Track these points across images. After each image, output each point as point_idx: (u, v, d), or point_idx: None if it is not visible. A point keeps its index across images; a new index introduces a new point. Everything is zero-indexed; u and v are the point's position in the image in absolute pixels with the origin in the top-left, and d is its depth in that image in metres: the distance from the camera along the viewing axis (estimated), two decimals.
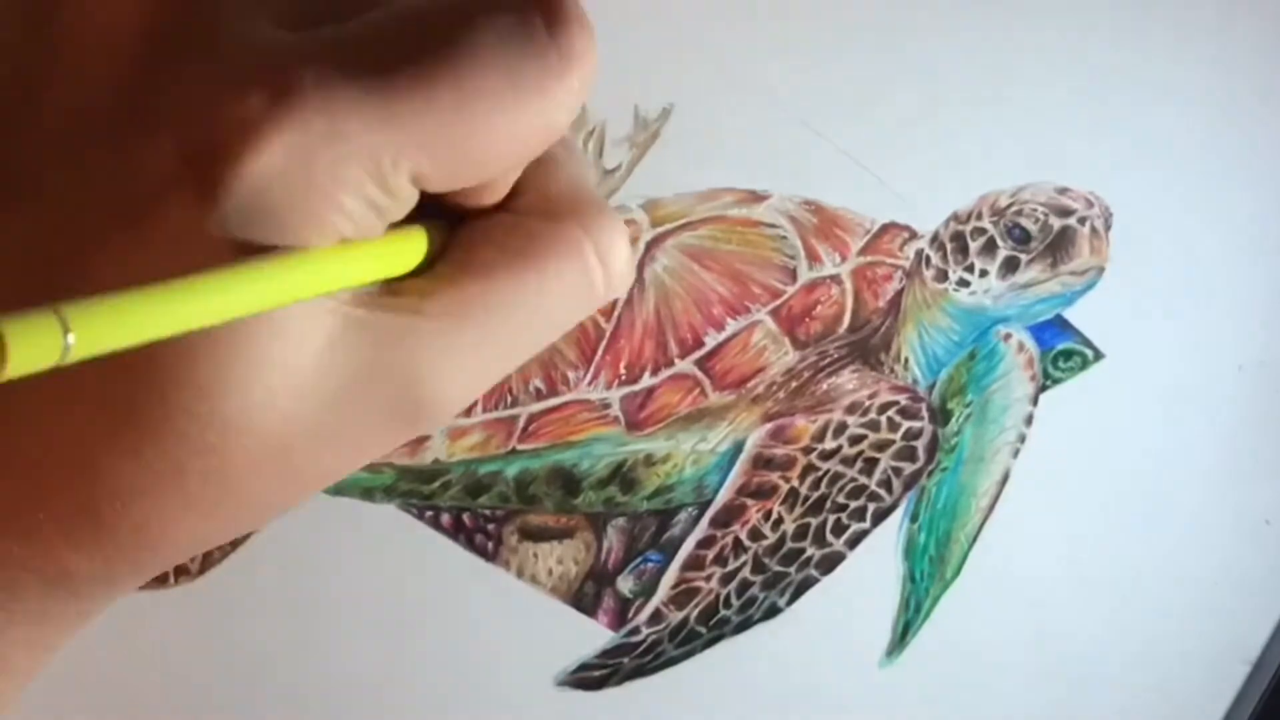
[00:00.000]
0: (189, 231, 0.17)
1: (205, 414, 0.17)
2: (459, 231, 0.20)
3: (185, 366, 0.17)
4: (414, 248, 0.19)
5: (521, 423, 0.39)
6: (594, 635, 0.40)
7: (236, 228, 0.17)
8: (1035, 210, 0.41)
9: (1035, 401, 0.42)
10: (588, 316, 0.22)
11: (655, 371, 0.39)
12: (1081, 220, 0.42)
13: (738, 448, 0.40)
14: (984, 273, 0.41)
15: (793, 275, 0.40)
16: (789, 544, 0.40)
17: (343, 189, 0.17)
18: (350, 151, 0.17)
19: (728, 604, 0.40)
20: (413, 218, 0.20)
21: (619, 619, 0.40)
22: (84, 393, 0.18)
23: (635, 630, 0.40)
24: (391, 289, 0.19)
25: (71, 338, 0.12)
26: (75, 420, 0.18)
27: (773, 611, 0.40)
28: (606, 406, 0.39)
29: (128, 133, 0.17)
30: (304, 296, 0.17)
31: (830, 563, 0.41)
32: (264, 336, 0.17)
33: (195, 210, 0.17)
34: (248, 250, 0.17)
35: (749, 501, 0.40)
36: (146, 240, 0.17)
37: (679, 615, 0.40)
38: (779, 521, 0.40)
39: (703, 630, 0.40)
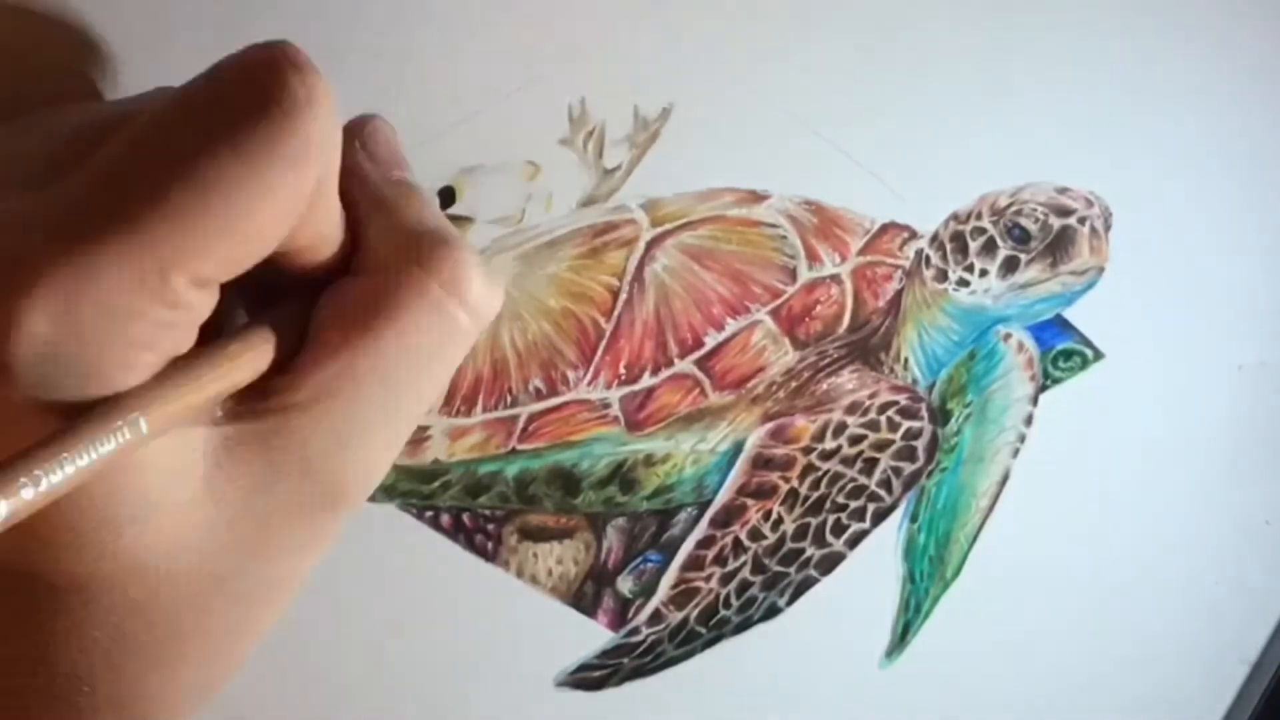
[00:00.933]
0: (4, 408, 0.16)
1: (115, 577, 0.17)
2: (317, 308, 0.20)
3: (74, 540, 0.17)
4: (259, 348, 0.19)
5: (521, 423, 0.39)
6: (594, 635, 0.40)
7: (44, 393, 0.16)
8: (1035, 210, 0.41)
9: (1035, 401, 0.42)
10: (469, 349, 0.21)
11: (655, 371, 0.39)
12: (1081, 220, 0.42)
13: (737, 448, 0.40)
14: (984, 272, 0.41)
15: (792, 275, 0.40)
16: (789, 544, 0.40)
17: (124, 324, 0.17)
18: (111, 287, 0.17)
19: (727, 604, 0.40)
20: (273, 303, 0.19)
21: (619, 619, 0.40)
22: (6, 606, 0.17)
23: (635, 630, 0.40)
24: (260, 391, 0.19)
25: None
26: (11, 628, 0.18)
27: (772, 612, 0.40)
28: (606, 406, 0.39)
29: None
30: (152, 437, 0.17)
31: (830, 563, 0.41)
32: (138, 489, 0.17)
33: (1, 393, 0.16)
34: (69, 409, 0.16)
35: (749, 501, 0.40)
36: None
37: (679, 615, 0.40)
38: (779, 522, 0.40)
39: (702, 630, 0.40)
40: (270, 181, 0.18)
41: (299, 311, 0.20)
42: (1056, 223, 0.42)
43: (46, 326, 0.16)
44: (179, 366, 0.18)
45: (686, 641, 0.40)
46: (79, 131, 0.20)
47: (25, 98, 0.23)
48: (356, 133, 0.22)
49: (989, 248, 0.41)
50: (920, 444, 0.41)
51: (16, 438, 0.16)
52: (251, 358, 0.19)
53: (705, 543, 0.40)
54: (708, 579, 0.40)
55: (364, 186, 0.21)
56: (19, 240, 0.17)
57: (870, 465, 0.40)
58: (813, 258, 0.40)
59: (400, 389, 0.20)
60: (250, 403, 0.19)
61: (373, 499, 0.39)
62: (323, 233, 0.20)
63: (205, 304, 0.18)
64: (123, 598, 0.18)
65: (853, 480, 0.40)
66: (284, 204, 0.18)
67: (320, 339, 0.20)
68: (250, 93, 0.18)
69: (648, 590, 0.40)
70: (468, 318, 0.20)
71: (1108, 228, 0.42)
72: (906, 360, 0.41)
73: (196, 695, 0.20)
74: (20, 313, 0.16)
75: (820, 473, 0.40)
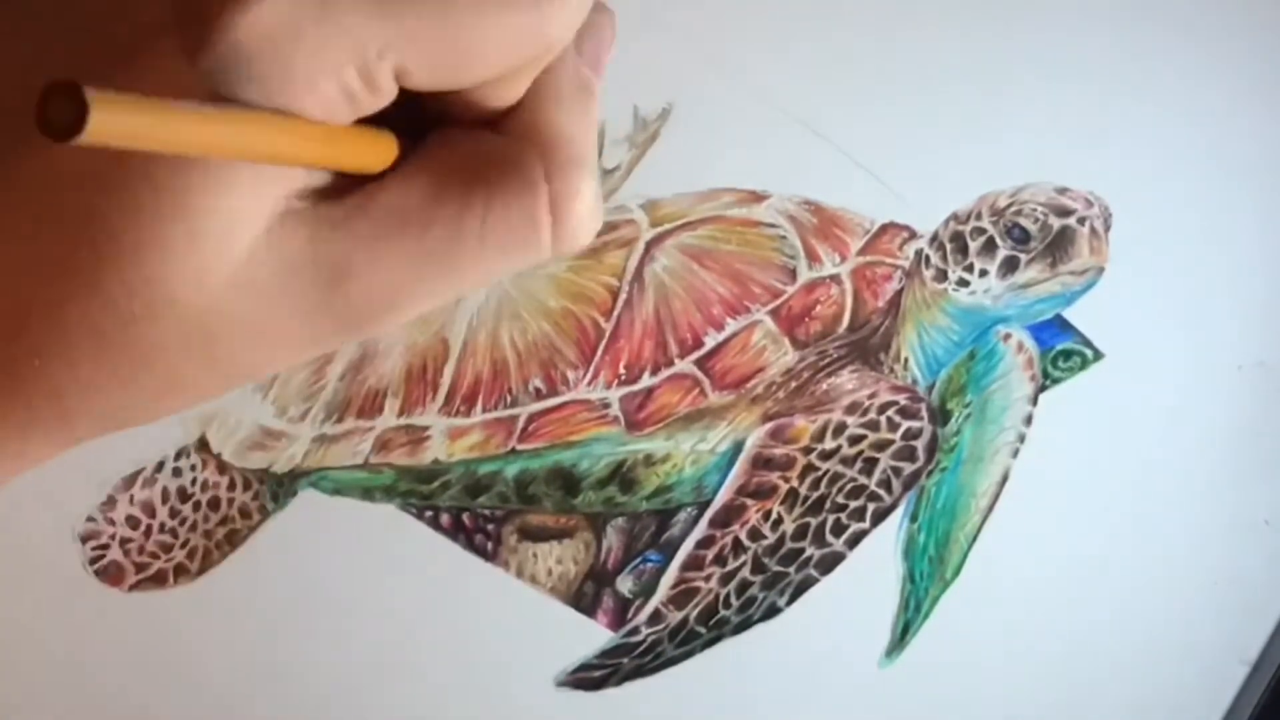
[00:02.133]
0: (174, 79, 0.17)
1: (134, 280, 0.17)
2: (434, 138, 0.20)
3: (123, 225, 0.17)
4: (382, 149, 0.19)
5: (521, 423, 0.39)
6: (593, 635, 0.40)
7: (218, 83, 0.17)
8: (1035, 210, 0.41)
9: (1035, 401, 0.42)
10: (531, 264, 0.21)
11: (655, 371, 0.39)
12: (1081, 220, 0.42)
13: (737, 448, 0.40)
14: (984, 273, 0.41)
15: (792, 275, 0.40)
16: (788, 544, 0.40)
17: (323, 71, 0.17)
18: (337, 34, 0.17)
19: (727, 604, 0.40)
20: (396, 127, 0.19)
21: (618, 619, 0.40)
22: (20, 241, 0.18)
23: (635, 630, 0.40)
24: (341, 187, 0.19)
25: (91, 112, 0.13)
26: (9, 266, 0.18)
27: (772, 611, 0.40)
28: (606, 406, 0.39)
29: None
30: (265, 156, 0.17)
31: (830, 563, 0.41)
32: (204, 208, 0.17)
33: (180, 60, 0.17)
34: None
35: (748, 501, 0.40)
36: (135, 82, 0.17)
37: (678, 615, 0.40)
38: (778, 521, 0.40)
39: (702, 630, 0.40)
40: (516, 21, 0.18)
41: (405, 133, 0.20)
42: (1056, 223, 0.42)
43: (268, 27, 0.16)
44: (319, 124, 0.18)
45: (686, 641, 0.40)
46: None
47: None
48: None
49: (989, 248, 0.41)
50: (920, 444, 0.41)
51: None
52: (372, 151, 0.19)
53: (705, 543, 0.40)
54: (707, 579, 0.40)
55: (553, 66, 0.21)
56: None
57: (870, 465, 0.40)
58: (812, 258, 0.40)
59: (460, 259, 0.20)
60: (332, 191, 0.19)
61: (373, 499, 0.39)
62: (501, 95, 0.20)
63: (386, 98, 0.18)
64: (125, 307, 0.18)
65: (852, 480, 0.40)
66: (514, 46, 0.18)
67: (420, 169, 0.20)
68: None
69: (647, 590, 0.40)
70: (548, 237, 0.20)
71: (1108, 228, 0.42)
72: (906, 360, 0.41)
73: (117, 413, 0.20)
74: (248, 6, 0.16)
75: (820, 473, 0.40)
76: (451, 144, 0.20)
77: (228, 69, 0.17)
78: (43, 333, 0.18)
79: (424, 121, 0.20)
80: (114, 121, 0.14)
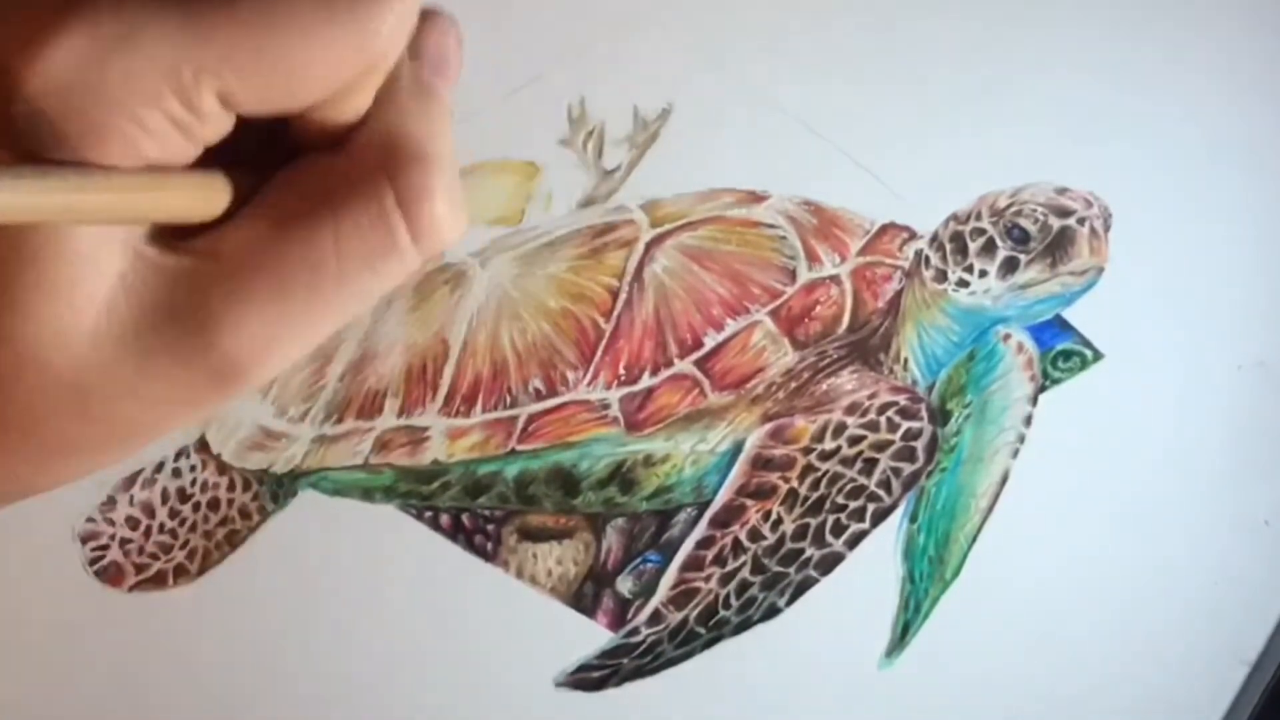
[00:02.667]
0: None
1: None
2: (279, 174, 0.19)
3: None
4: (215, 191, 0.18)
5: (521, 423, 0.39)
6: (593, 636, 0.40)
7: (29, 136, 0.16)
8: (1035, 210, 0.41)
9: (1035, 402, 0.42)
10: (401, 281, 0.20)
11: (654, 372, 0.39)
12: (1081, 220, 0.42)
13: (737, 448, 0.40)
14: (983, 273, 0.41)
15: (792, 276, 0.40)
16: (788, 544, 0.40)
17: (139, 100, 0.16)
18: (146, 60, 0.16)
19: (727, 604, 0.40)
20: (248, 165, 0.19)
21: (618, 620, 0.40)
22: None
23: (634, 631, 0.40)
24: (190, 232, 0.18)
25: None
26: None
27: (772, 612, 0.40)
28: (606, 407, 0.39)
29: None
30: (95, 218, 0.17)
31: (830, 563, 0.41)
32: (52, 262, 0.17)
33: None
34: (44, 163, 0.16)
35: (748, 502, 0.40)
36: None
37: (678, 616, 0.40)
38: (778, 522, 0.40)
39: (702, 631, 0.40)
40: (336, 39, 0.18)
41: (262, 171, 0.19)
42: (1056, 223, 0.42)
43: (72, 61, 0.16)
44: (140, 170, 0.17)
45: (686, 642, 0.40)
46: None
47: None
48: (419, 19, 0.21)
49: (989, 248, 0.41)
50: (920, 444, 0.41)
51: None
52: (204, 194, 0.18)
53: (705, 543, 0.40)
54: (707, 579, 0.40)
55: (388, 74, 0.20)
56: None
57: (870, 466, 0.40)
58: (812, 258, 0.40)
59: (324, 288, 0.19)
60: (178, 238, 0.18)
61: (373, 499, 0.39)
62: (343, 113, 0.19)
63: (218, 126, 0.18)
64: None
65: (852, 481, 0.40)
66: (336, 65, 0.18)
67: (266, 204, 0.19)
68: None
69: (647, 590, 0.40)
70: (411, 243, 0.19)
71: (1107, 228, 0.42)
72: (906, 361, 0.41)
73: (16, 490, 0.19)
74: (56, 38, 0.16)
75: (820, 473, 0.40)
76: (295, 174, 0.19)
77: (37, 115, 0.16)
78: None
79: (281, 156, 0.19)
80: None
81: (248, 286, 0.18)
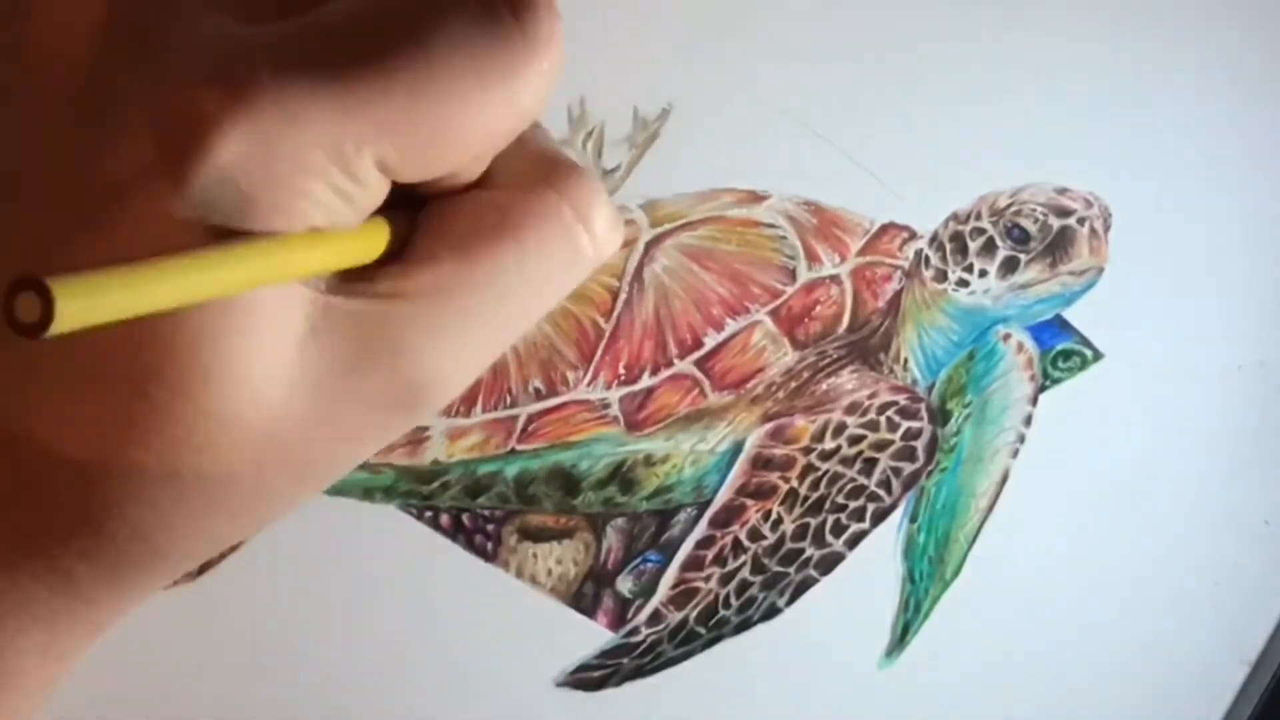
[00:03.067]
0: (161, 219, 0.17)
1: (191, 413, 0.17)
2: (429, 212, 0.20)
3: (166, 365, 0.17)
4: (376, 235, 0.19)
5: (521, 423, 0.39)
6: (593, 636, 0.40)
7: (206, 214, 0.17)
8: (1034, 210, 0.41)
9: (1034, 402, 0.42)
10: (581, 281, 0.21)
11: (654, 372, 0.39)
12: (1081, 220, 0.42)
13: (737, 448, 0.40)
14: (983, 273, 0.41)
15: (792, 275, 0.40)
16: (788, 544, 0.40)
17: (305, 176, 0.17)
18: (309, 139, 0.17)
19: (727, 604, 0.40)
20: (385, 207, 0.20)
21: (618, 619, 0.40)
22: (73, 404, 0.18)
23: (634, 631, 0.40)
24: (369, 276, 0.19)
25: (57, 305, 0.13)
26: (67, 432, 0.18)
27: (772, 612, 0.40)
28: (606, 407, 0.39)
29: (94, 125, 0.18)
30: (269, 280, 0.17)
31: (830, 563, 0.41)
32: (241, 328, 0.17)
33: (165, 200, 0.17)
34: (219, 237, 0.17)
35: (748, 502, 0.40)
36: (120, 229, 0.17)
37: (678, 616, 0.40)
38: (778, 522, 0.40)
39: (702, 631, 0.40)
40: (492, 100, 0.18)
41: (410, 216, 0.20)
42: (1056, 223, 0.42)
43: (239, 151, 0.17)
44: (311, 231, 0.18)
45: (686, 642, 0.40)
46: None
47: None
48: None
49: (988, 248, 0.41)
50: (920, 444, 0.41)
51: (157, 248, 0.16)
52: (369, 239, 0.19)
53: (705, 543, 0.40)
54: (707, 579, 0.40)
55: None
56: (238, 57, 0.17)
57: (870, 465, 0.40)
58: (812, 258, 0.40)
59: (510, 304, 0.20)
60: (357, 283, 0.19)
61: (372, 499, 0.39)
62: (483, 164, 0.20)
63: (378, 192, 0.18)
64: (188, 438, 0.18)
65: (852, 480, 0.40)
66: (492, 125, 0.19)
67: (440, 238, 0.20)
68: (504, 10, 0.18)
69: (647, 590, 0.40)
70: (592, 247, 0.21)
71: (1107, 228, 0.42)
72: (906, 360, 0.41)
73: (210, 544, 0.20)
74: (219, 129, 0.16)
75: (820, 473, 0.40)
76: (452, 209, 0.20)
77: (212, 196, 0.17)
78: (113, 485, 0.18)
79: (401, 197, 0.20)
80: (87, 306, 0.13)
81: (439, 320, 0.19)
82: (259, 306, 0.18)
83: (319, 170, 0.17)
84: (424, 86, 0.18)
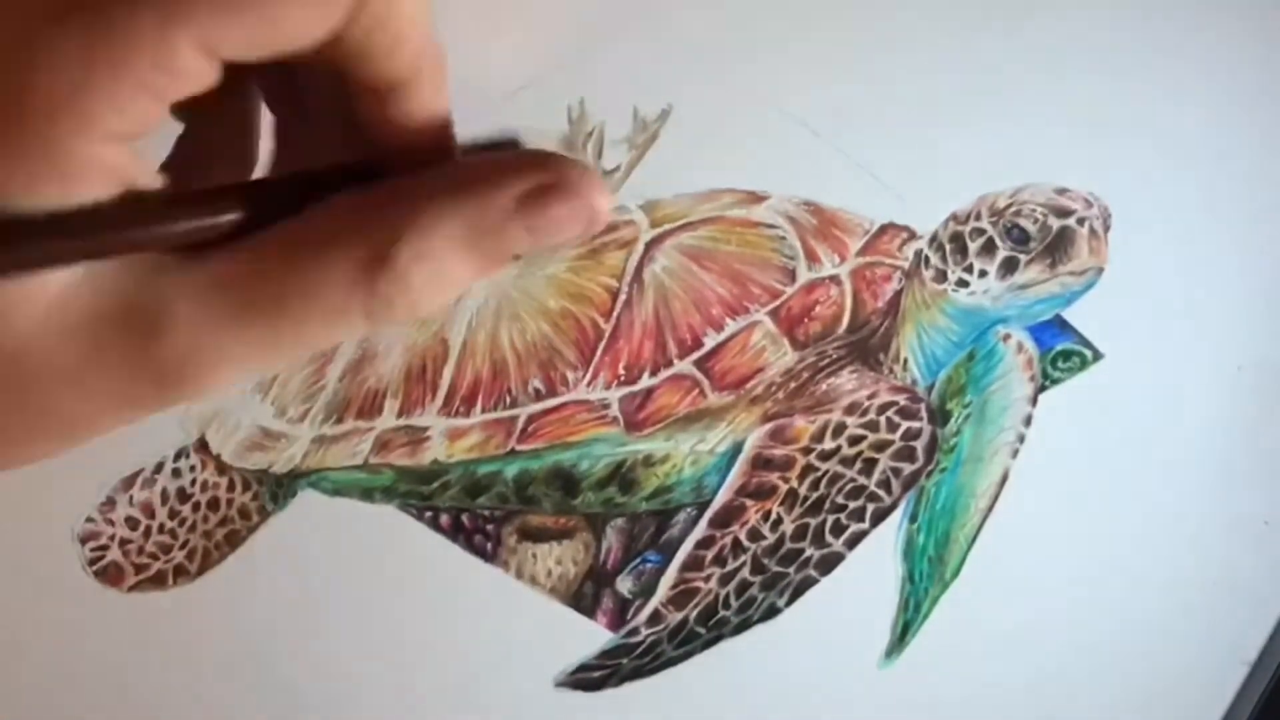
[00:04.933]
0: None
1: None
2: (314, 207, 0.19)
3: None
4: (218, 213, 0.18)
5: (520, 423, 0.39)
6: (593, 636, 0.40)
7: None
8: (1034, 211, 0.41)
9: (1034, 402, 0.42)
10: (360, 338, 0.20)
11: (654, 372, 0.39)
12: (1080, 221, 0.42)
13: (737, 448, 0.40)
14: (983, 273, 0.41)
15: (792, 276, 0.40)
16: (788, 544, 0.40)
17: (110, 76, 0.16)
18: (123, 37, 0.16)
19: (727, 604, 0.40)
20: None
21: (618, 620, 0.40)
22: None
23: (634, 631, 0.40)
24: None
25: None
26: None
27: (772, 612, 0.40)
28: (605, 407, 0.39)
29: None
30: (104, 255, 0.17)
31: (829, 563, 0.41)
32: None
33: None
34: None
35: (748, 502, 0.40)
36: None
37: (678, 616, 0.40)
38: (778, 522, 0.40)
39: (702, 631, 0.40)
40: None
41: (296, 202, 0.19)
42: (1055, 223, 0.42)
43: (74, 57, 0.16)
44: (138, 200, 0.17)
45: (686, 642, 0.40)
46: None
47: None
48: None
49: (988, 248, 0.41)
50: (919, 444, 0.41)
51: None
52: (202, 223, 0.18)
53: (704, 543, 0.40)
54: (707, 579, 0.40)
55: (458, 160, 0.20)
56: None
57: (869, 466, 0.40)
58: (812, 258, 0.40)
59: (285, 333, 0.19)
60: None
61: (372, 499, 0.39)
62: (396, 67, 0.18)
63: (203, 76, 0.17)
64: None
65: (852, 481, 0.40)
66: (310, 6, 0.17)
67: (272, 234, 0.18)
68: None
69: (647, 591, 0.40)
70: (364, 320, 0.19)
71: (1107, 228, 0.42)
72: (906, 361, 0.41)
73: None
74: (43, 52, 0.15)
75: (819, 473, 0.40)
76: (317, 211, 0.19)
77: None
78: None
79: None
80: None
81: (210, 307, 0.18)
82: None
83: (124, 64, 0.16)
84: None
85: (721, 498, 0.40)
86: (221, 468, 0.39)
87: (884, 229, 0.41)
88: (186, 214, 0.18)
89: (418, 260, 0.18)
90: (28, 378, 0.18)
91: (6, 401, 0.18)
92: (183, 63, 0.16)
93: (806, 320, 0.40)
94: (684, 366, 0.39)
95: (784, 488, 0.40)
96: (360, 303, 0.18)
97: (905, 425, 0.41)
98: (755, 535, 0.40)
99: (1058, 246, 0.42)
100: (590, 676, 0.40)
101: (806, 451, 0.40)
